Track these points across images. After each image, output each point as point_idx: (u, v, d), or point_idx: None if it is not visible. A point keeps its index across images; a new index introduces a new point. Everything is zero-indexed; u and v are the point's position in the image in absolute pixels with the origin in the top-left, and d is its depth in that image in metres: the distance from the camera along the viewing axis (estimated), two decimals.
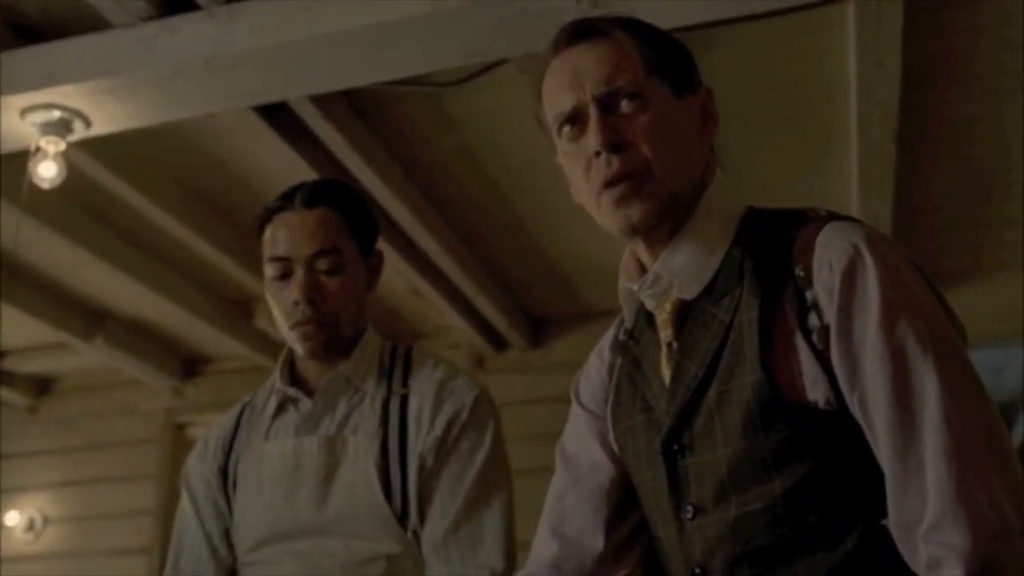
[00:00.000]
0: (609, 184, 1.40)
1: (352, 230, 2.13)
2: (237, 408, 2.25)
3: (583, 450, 1.61)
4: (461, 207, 4.31)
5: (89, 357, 5.47)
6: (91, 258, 4.39)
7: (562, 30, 1.49)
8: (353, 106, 3.58)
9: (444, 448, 2.03)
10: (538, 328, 5.46)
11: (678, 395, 1.41)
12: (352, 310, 2.11)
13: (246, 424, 2.20)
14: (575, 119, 1.44)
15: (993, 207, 4.27)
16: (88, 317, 5.20)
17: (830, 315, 1.30)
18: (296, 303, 2.05)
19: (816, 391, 1.30)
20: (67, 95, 3.09)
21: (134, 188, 3.91)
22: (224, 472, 2.16)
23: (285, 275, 2.07)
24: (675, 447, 1.41)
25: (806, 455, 1.30)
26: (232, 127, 3.63)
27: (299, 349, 2.10)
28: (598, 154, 1.40)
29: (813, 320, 1.32)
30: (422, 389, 2.09)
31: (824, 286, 1.31)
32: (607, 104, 1.41)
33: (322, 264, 2.07)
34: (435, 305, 4.95)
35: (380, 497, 1.98)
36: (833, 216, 1.40)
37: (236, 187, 4.13)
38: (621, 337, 1.58)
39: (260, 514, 2.07)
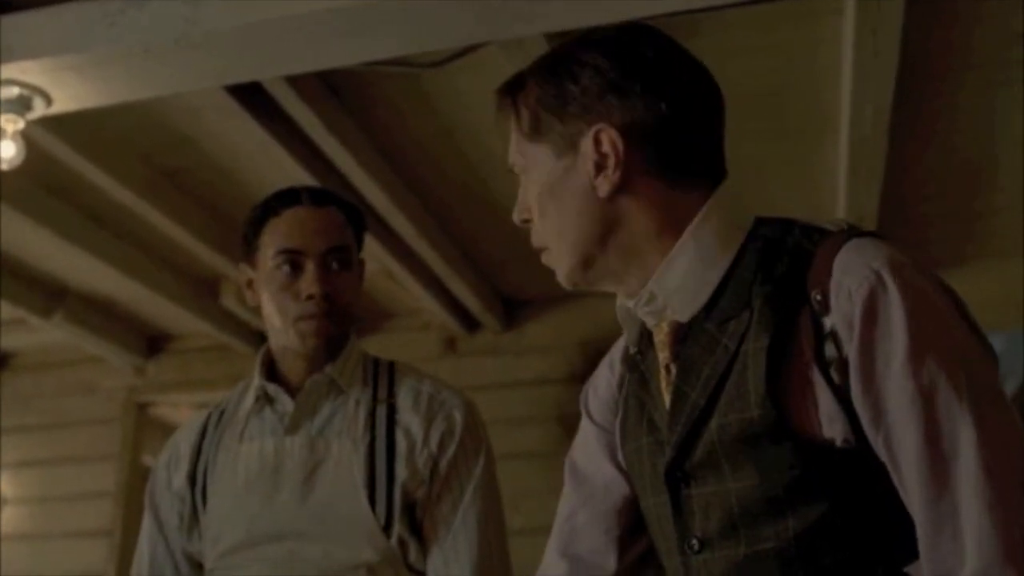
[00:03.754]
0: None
1: (354, 233, 2.15)
2: (204, 413, 2.21)
3: (593, 466, 1.54)
4: (437, 189, 4.24)
5: (48, 334, 5.34)
6: (52, 236, 4.27)
7: None
8: (328, 86, 3.48)
9: (438, 470, 2.04)
10: (511, 310, 5.39)
11: (679, 422, 1.31)
12: (354, 310, 2.12)
13: (215, 426, 2.15)
14: None
15: (982, 196, 4.23)
16: (47, 293, 5.07)
17: (850, 348, 1.20)
18: (311, 296, 2.03)
19: (833, 428, 1.21)
20: (27, 71, 2.95)
21: (97, 166, 3.78)
22: (192, 478, 2.11)
23: (294, 268, 2.05)
24: (679, 474, 1.32)
25: (822, 495, 1.21)
26: (201, 105, 3.51)
27: (303, 344, 2.07)
28: None
29: (831, 351, 1.22)
30: (409, 401, 2.08)
31: (843, 317, 1.21)
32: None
33: (334, 260, 2.07)
34: (407, 287, 4.86)
35: (364, 503, 1.97)
36: (852, 232, 1.30)
37: (204, 166, 4.03)
38: (631, 350, 1.48)
39: (236, 517, 2.03)
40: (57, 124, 3.40)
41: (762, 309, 1.26)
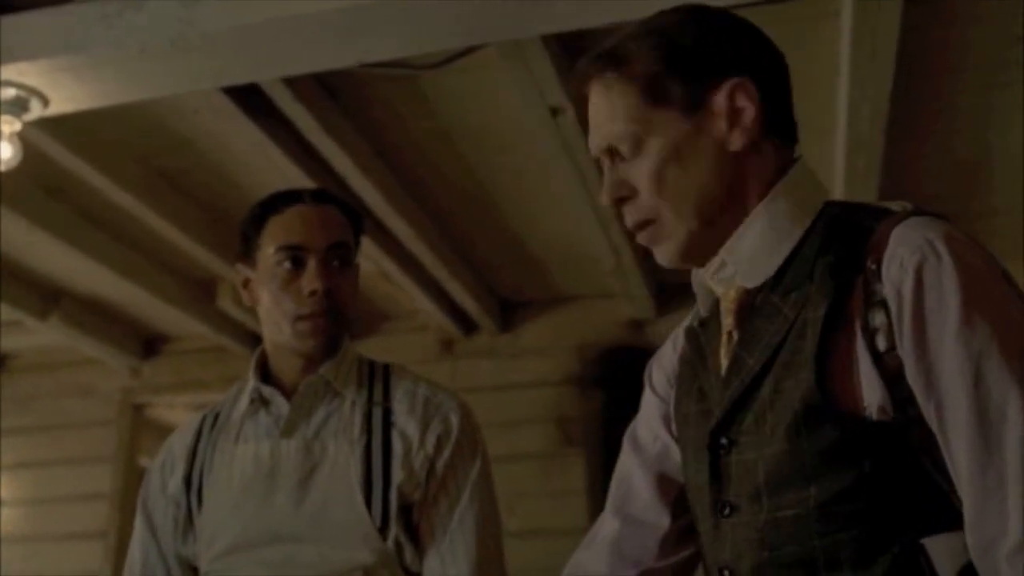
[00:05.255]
0: (631, 232, 1.41)
1: (354, 234, 2.14)
2: (199, 416, 2.20)
3: (650, 435, 1.58)
4: (434, 190, 4.23)
5: (44, 335, 5.33)
6: (48, 237, 4.26)
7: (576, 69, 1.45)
8: (326, 87, 3.47)
9: (435, 472, 2.03)
10: (508, 312, 5.38)
11: (732, 387, 1.35)
12: (352, 309, 2.11)
13: (209, 429, 2.14)
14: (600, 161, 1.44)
15: (980, 198, 4.22)
16: (44, 295, 5.06)
17: (899, 316, 1.22)
18: (313, 292, 2.02)
19: (872, 396, 1.22)
20: (24, 72, 2.94)
21: (94, 167, 3.77)
22: (188, 480, 2.10)
23: (296, 264, 2.05)
24: (722, 441, 1.35)
25: (848, 466, 1.22)
26: (198, 106, 3.50)
27: (302, 343, 2.06)
28: None
29: (879, 318, 1.24)
30: (406, 404, 2.08)
31: (893, 284, 1.23)
32: (611, 154, 1.40)
33: (335, 258, 2.07)
34: (404, 288, 4.85)
35: (360, 505, 1.96)
36: (917, 211, 1.32)
37: (201, 167, 4.02)
38: (694, 324, 1.52)
39: (231, 519, 2.02)
40: (54, 125, 3.39)
41: (822, 279, 1.29)
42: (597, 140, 1.41)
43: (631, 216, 1.39)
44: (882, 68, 3.06)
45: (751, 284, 1.36)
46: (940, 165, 3.97)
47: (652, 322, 5.02)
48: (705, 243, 1.38)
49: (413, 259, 4.61)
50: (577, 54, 3.25)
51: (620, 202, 1.39)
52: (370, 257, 4.38)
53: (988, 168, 4.01)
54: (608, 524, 1.56)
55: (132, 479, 5.38)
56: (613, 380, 4.94)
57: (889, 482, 1.22)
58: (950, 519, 1.19)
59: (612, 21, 2.74)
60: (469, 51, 3.17)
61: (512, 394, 5.11)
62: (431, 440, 2.03)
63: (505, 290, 5.25)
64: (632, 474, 1.58)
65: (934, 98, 3.52)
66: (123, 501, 5.36)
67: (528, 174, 4.05)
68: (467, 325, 5.32)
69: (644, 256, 4.56)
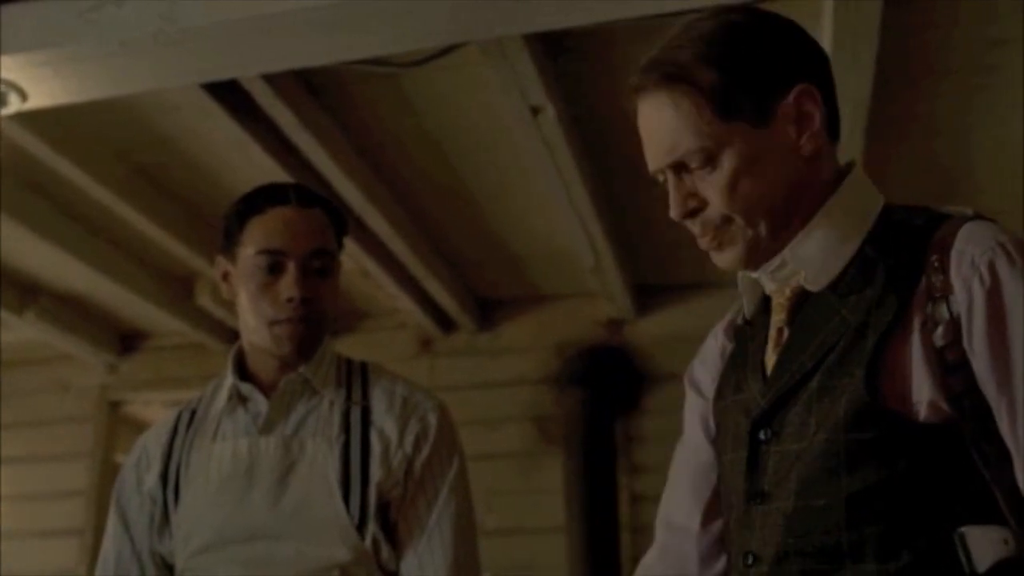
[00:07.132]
0: (697, 238, 1.43)
1: (337, 237, 2.13)
2: (174, 412, 2.20)
3: (690, 432, 1.63)
4: (414, 188, 4.23)
5: (21, 331, 5.29)
6: (25, 232, 4.22)
7: (633, 75, 1.43)
8: (307, 84, 3.46)
9: (413, 471, 2.04)
10: (487, 310, 5.37)
11: (780, 381, 1.37)
12: (332, 314, 2.11)
13: (186, 426, 2.14)
14: (661, 174, 1.44)
15: (965, 199, 4.18)
16: (20, 290, 5.03)
17: (969, 311, 1.26)
18: (290, 299, 2.01)
19: (921, 393, 1.26)
20: (3, 66, 2.91)
21: (73, 163, 3.75)
22: (165, 478, 2.10)
23: (275, 269, 2.03)
24: (763, 432, 1.38)
25: (883, 463, 1.26)
26: (178, 103, 3.50)
27: (278, 347, 2.05)
28: None
29: (941, 313, 1.27)
30: (384, 403, 2.09)
31: (963, 280, 1.27)
32: (678, 168, 1.40)
33: (316, 263, 2.06)
34: (383, 286, 4.85)
35: (339, 502, 1.97)
36: (978, 215, 1.36)
37: (180, 164, 4.00)
38: (739, 322, 1.55)
39: (209, 516, 2.02)
40: (32, 120, 3.37)
41: (888, 285, 1.31)
42: (661, 155, 1.40)
43: (701, 226, 1.41)
44: (863, 70, 3.07)
45: (816, 287, 1.38)
46: (921, 166, 3.98)
47: (631, 322, 5.02)
48: (768, 247, 1.40)
49: (393, 257, 4.60)
50: (558, 53, 3.27)
51: (690, 214, 1.41)
52: (350, 255, 4.37)
53: (969, 169, 4.03)
54: (658, 534, 1.61)
55: (108, 476, 5.34)
56: (592, 379, 4.93)
57: (922, 480, 1.25)
58: (989, 513, 1.22)
59: (596, 21, 2.74)
60: (451, 49, 3.17)
61: (491, 392, 5.11)
62: (409, 439, 2.04)
63: (484, 288, 5.24)
64: (676, 479, 1.61)
65: (915, 100, 3.54)
66: (99, 498, 5.33)
67: (508, 173, 4.05)
68: (446, 323, 5.32)
69: (623, 256, 4.57)
